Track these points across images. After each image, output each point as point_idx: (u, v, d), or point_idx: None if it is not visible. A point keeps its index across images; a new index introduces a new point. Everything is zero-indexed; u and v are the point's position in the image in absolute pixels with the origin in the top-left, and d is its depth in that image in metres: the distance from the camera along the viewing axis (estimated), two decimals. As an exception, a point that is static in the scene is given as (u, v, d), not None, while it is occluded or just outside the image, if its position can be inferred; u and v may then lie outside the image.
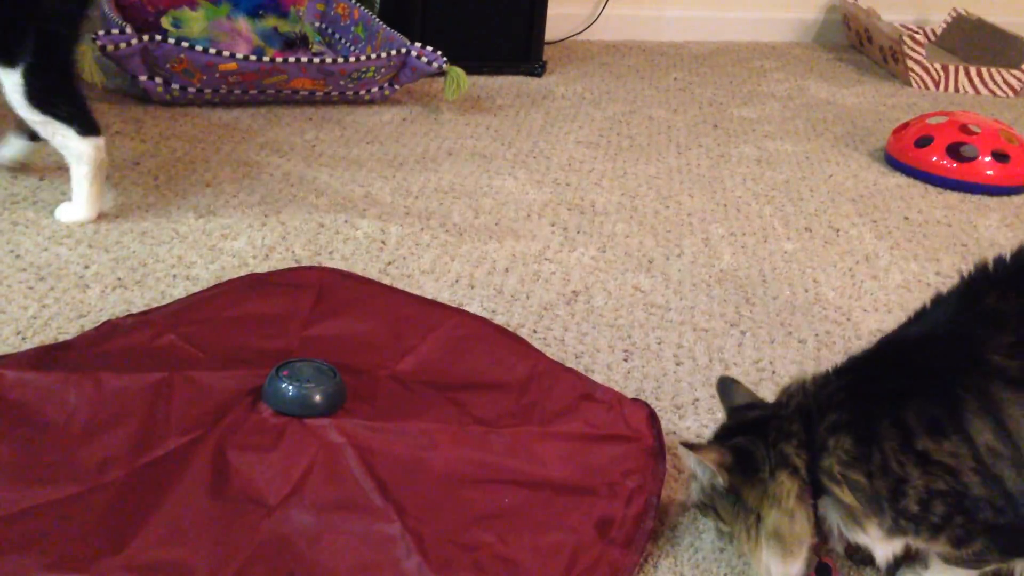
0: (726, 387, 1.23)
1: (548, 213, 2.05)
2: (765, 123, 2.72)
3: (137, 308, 1.56)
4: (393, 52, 2.43)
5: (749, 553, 1.11)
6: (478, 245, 1.88)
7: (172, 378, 1.32)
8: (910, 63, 3.16)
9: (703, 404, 1.47)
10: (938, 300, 1.13)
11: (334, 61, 2.38)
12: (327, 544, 1.12)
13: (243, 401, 1.31)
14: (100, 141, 1.77)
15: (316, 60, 2.36)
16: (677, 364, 1.57)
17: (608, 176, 2.27)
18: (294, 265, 1.73)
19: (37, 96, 1.71)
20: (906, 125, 2.53)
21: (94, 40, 2.20)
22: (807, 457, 1.07)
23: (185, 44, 2.25)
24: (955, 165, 2.37)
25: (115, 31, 2.21)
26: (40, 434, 1.22)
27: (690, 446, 1.11)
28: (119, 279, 1.64)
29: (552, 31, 3.04)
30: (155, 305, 1.56)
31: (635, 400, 1.42)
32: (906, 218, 2.18)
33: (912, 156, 2.42)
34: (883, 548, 1.07)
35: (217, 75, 2.30)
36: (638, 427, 1.35)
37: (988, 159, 2.36)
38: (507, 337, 1.56)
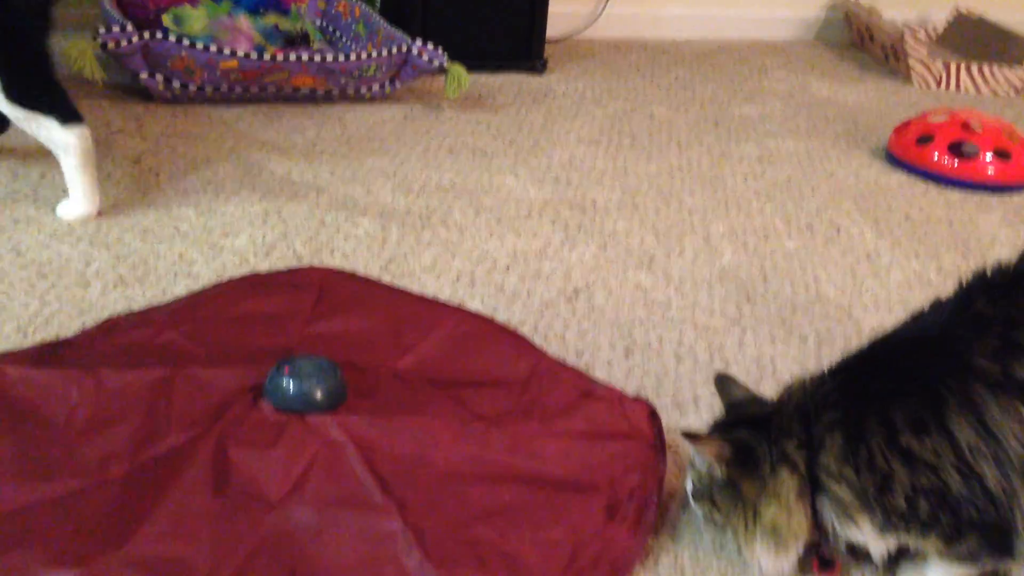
0: (724, 383, 1.26)
1: (549, 211, 2.05)
2: (766, 121, 2.72)
3: (138, 305, 1.56)
4: (394, 50, 2.43)
5: (743, 545, 1.13)
6: (479, 243, 1.88)
7: (173, 375, 1.33)
8: (911, 61, 3.15)
9: (704, 401, 1.47)
10: (935, 304, 1.15)
11: (335, 59, 2.38)
12: (328, 540, 1.12)
13: (244, 398, 1.31)
14: (84, 130, 1.75)
15: (317, 58, 2.36)
16: (678, 362, 1.58)
17: (609, 174, 2.27)
18: (295, 262, 1.73)
19: (15, 91, 1.70)
20: (907, 123, 2.53)
21: (95, 37, 2.20)
22: (806, 455, 1.09)
23: (186, 41, 2.25)
24: (956, 163, 2.36)
25: (116, 28, 2.21)
26: (42, 431, 1.23)
27: (691, 436, 1.14)
28: (120, 276, 1.65)
29: (553, 29, 3.04)
30: (156, 303, 1.56)
31: (636, 398, 1.42)
32: (907, 216, 2.18)
33: (913, 154, 2.42)
34: (877, 545, 1.10)
35: (218, 73, 2.31)
36: (639, 424, 1.35)
37: (989, 157, 2.36)
38: (508, 335, 1.56)
